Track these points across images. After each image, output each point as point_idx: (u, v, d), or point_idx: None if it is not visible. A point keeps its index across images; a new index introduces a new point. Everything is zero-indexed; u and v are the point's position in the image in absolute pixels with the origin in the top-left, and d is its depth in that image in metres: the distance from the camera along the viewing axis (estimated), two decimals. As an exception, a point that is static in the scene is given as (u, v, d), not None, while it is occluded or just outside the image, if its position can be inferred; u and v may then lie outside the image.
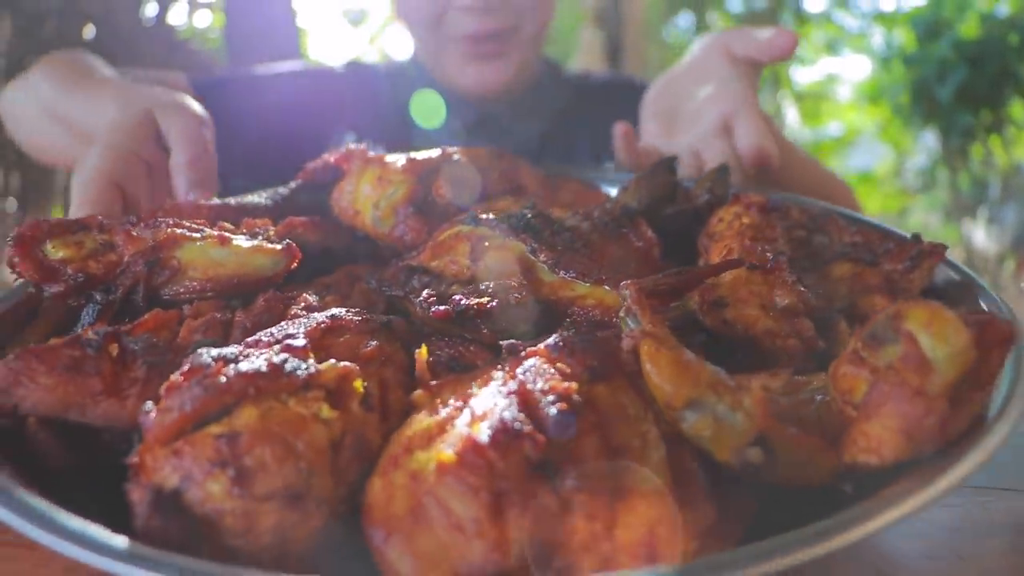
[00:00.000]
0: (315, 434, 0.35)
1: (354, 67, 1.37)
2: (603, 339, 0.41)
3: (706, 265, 0.46)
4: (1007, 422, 0.38)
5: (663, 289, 0.44)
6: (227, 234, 0.53)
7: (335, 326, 0.43)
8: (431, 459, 0.34)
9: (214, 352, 0.38)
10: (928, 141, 5.44)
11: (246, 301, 0.50)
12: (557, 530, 0.33)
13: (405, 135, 1.30)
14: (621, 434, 0.36)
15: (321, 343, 0.41)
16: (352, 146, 0.65)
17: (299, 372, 0.37)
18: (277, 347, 0.39)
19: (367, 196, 0.61)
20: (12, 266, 0.50)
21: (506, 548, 0.32)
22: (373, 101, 1.33)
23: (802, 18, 6.67)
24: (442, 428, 0.36)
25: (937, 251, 0.53)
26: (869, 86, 6.18)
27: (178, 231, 0.51)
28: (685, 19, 6.89)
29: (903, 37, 5.32)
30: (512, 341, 0.41)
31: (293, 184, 0.66)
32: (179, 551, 0.32)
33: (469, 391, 0.39)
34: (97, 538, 0.32)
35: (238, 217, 0.57)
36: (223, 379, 0.36)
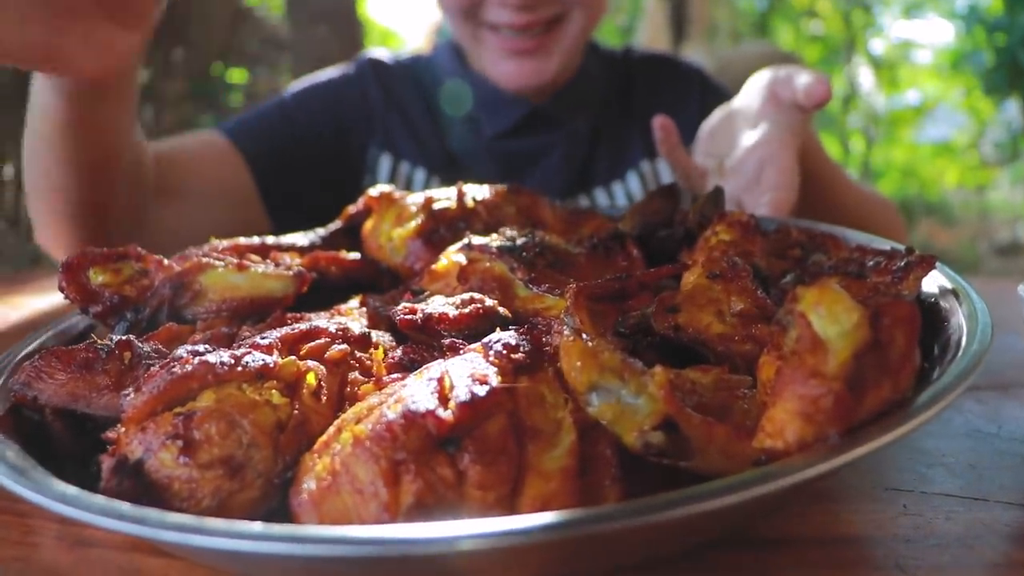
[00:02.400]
0: (261, 415, 0.41)
1: (375, 65, 1.34)
2: (535, 336, 0.45)
3: (648, 270, 0.49)
4: (928, 410, 0.37)
5: (607, 293, 0.47)
6: (247, 263, 0.59)
7: (311, 332, 0.48)
8: (351, 435, 0.38)
9: (189, 347, 0.44)
10: (1011, 111, 5.15)
11: (258, 320, 0.56)
12: (449, 498, 0.36)
13: (438, 135, 1.31)
14: (534, 419, 0.39)
15: (295, 346, 0.47)
16: (382, 188, 0.70)
17: (254, 363, 0.42)
18: (247, 344, 0.45)
19: (386, 231, 0.67)
20: (61, 289, 0.59)
21: (395, 509, 0.35)
22: (401, 102, 1.31)
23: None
24: (371, 411, 0.40)
25: (926, 262, 0.52)
26: (951, 53, 5.88)
27: (204, 259, 0.58)
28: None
29: (989, 1, 5.04)
30: (454, 339, 0.46)
31: (333, 225, 0.72)
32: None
33: (407, 382, 0.42)
34: (80, 498, 0.36)
35: (267, 253, 0.64)
36: (188, 367, 0.41)
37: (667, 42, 4.42)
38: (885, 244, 0.59)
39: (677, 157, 0.98)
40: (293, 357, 0.45)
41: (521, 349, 0.43)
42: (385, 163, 1.28)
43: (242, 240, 0.67)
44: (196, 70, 4.32)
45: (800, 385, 0.37)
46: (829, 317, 0.37)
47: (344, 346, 0.48)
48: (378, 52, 1.39)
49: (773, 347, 0.42)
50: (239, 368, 0.42)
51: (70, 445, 0.46)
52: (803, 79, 0.87)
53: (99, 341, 0.49)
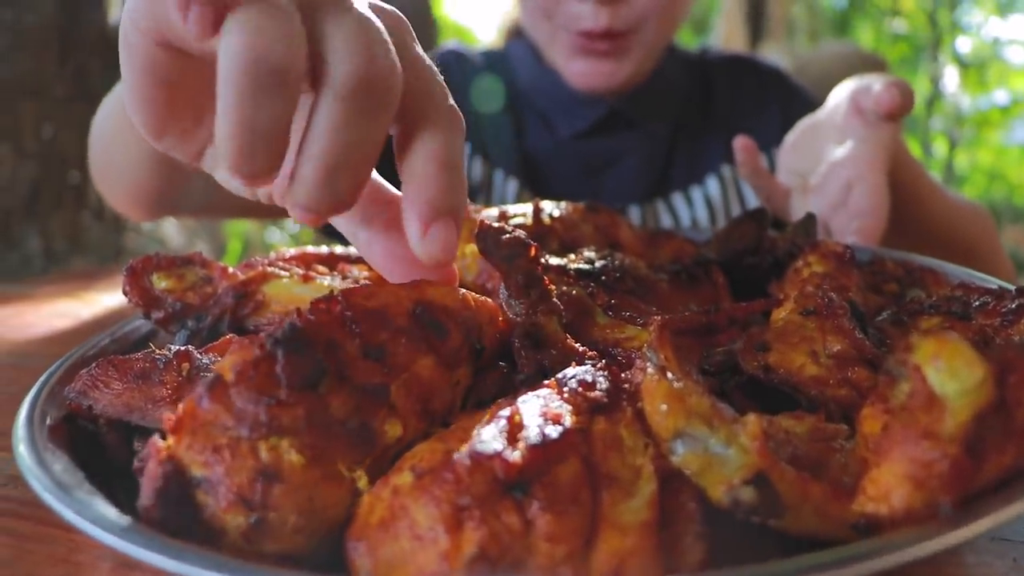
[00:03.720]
0: (338, 503, 0.37)
1: (457, 58, 1.32)
2: (614, 371, 0.42)
3: (739, 304, 0.45)
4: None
5: (693, 328, 0.44)
6: (313, 274, 0.57)
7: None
8: (411, 475, 0.35)
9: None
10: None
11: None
12: (515, 549, 0.33)
13: (515, 134, 1.29)
14: (610, 465, 0.36)
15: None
16: None
17: (364, 439, 0.37)
18: (364, 390, 0.38)
19: (459, 247, 0.64)
20: (125, 292, 0.57)
21: (457, 557, 0.33)
22: (476, 96, 1.28)
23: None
24: (434, 450, 0.37)
25: (1041, 306, 0.48)
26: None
27: (269, 268, 0.57)
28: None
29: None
30: (526, 375, 0.43)
31: None
32: (169, 533, 0.34)
33: (476, 419, 0.40)
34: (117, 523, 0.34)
35: (335, 263, 0.62)
36: (289, 420, 0.36)
37: (743, 41, 4.32)
38: (991, 282, 0.55)
39: (759, 178, 0.93)
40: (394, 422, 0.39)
41: (598, 387, 0.40)
42: (476, 164, 1.25)
43: (310, 249, 0.65)
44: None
45: (911, 446, 0.34)
46: (948, 372, 0.33)
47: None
48: (455, 45, 1.38)
49: (878, 398, 0.38)
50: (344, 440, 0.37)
51: (124, 459, 0.45)
52: (876, 87, 0.82)
53: (157, 351, 0.48)
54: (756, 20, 4.53)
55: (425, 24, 3.64)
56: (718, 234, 0.59)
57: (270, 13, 0.35)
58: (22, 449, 0.41)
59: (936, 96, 7.29)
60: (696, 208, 1.26)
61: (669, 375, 0.38)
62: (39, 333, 0.92)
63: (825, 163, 0.85)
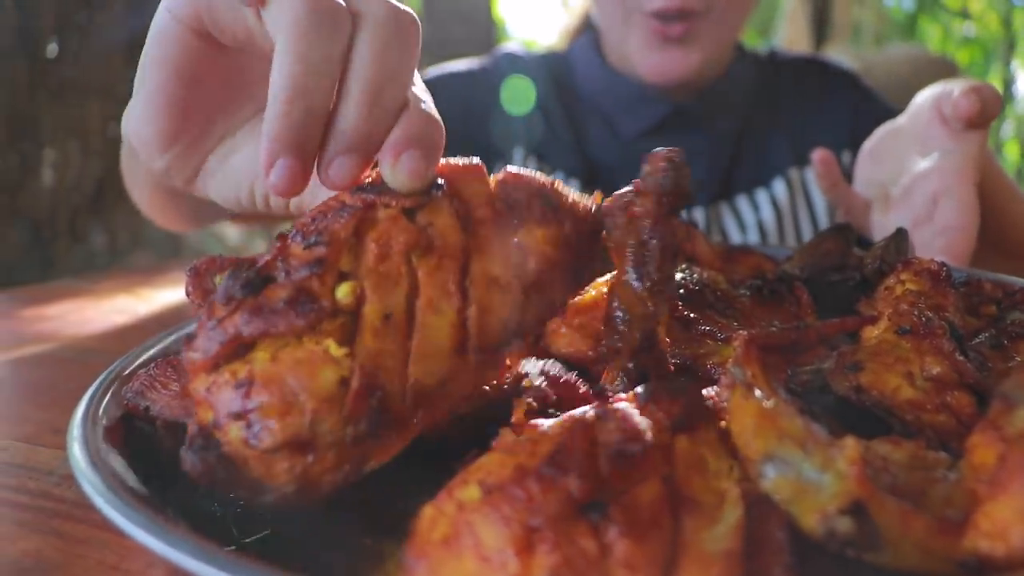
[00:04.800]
0: (322, 378, 0.36)
1: (512, 60, 1.30)
2: (695, 388, 0.39)
3: (830, 321, 0.42)
4: None
5: (781, 344, 0.41)
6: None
7: (367, 217, 0.39)
8: (478, 490, 0.33)
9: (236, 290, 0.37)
10: None
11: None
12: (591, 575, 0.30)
13: (576, 136, 1.26)
14: (693, 488, 0.34)
15: (358, 237, 0.38)
16: None
17: (310, 311, 0.36)
18: (305, 268, 0.37)
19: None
20: (188, 293, 0.57)
21: None
22: (537, 101, 1.26)
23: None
24: (503, 464, 0.35)
25: None
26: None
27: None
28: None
29: None
30: (603, 386, 0.41)
31: None
32: (214, 485, 0.36)
33: (548, 431, 0.37)
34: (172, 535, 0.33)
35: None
36: (239, 323, 0.36)
37: (808, 44, 4.23)
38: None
39: (839, 192, 0.89)
40: (345, 285, 0.38)
41: (680, 402, 0.37)
42: (530, 167, 1.24)
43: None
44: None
45: (1034, 479, 0.31)
46: (1078, 398, 0.30)
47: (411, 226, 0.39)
48: (513, 47, 1.36)
49: (991, 425, 0.35)
50: (296, 320, 0.36)
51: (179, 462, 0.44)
52: (956, 92, 0.78)
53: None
54: (820, 23, 4.43)
55: (487, 25, 3.64)
56: (801, 250, 0.55)
57: None
58: (76, 449, 0.40)
59: (1008, 100, 7.06)
60: (762, 211, 1.22)
61: (758, 393, 0.36)
62: (99, 329, 0.92)
63: (908, 175, 0.80)
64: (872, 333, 0.45)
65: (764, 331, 0.40)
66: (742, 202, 1.24)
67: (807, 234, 1.23)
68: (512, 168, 0.44)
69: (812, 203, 1.23)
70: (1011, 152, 7.40)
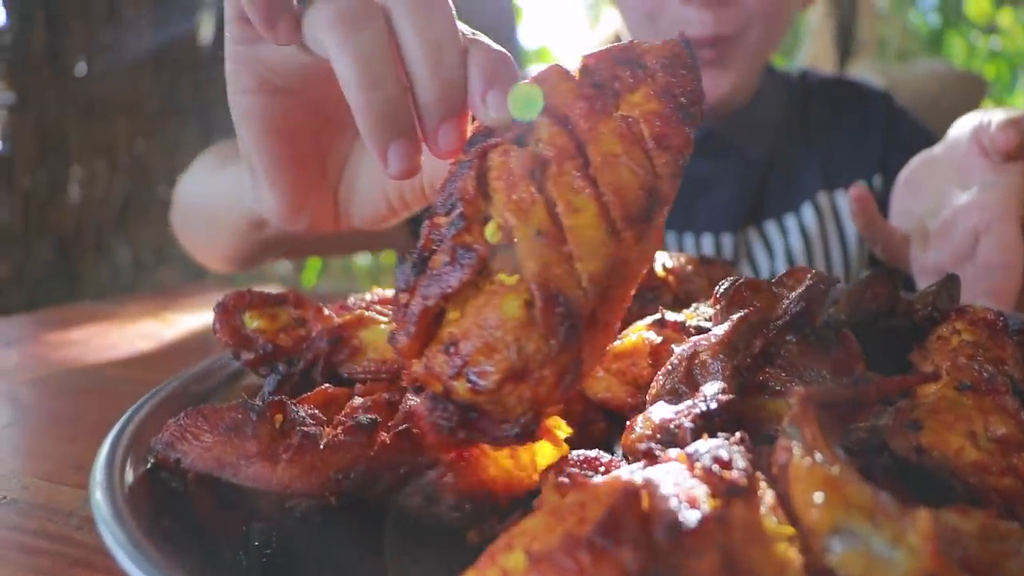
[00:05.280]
0: (508, 309, 0.37)
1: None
2: (757, 454, 0.37)
3: (892, 378, 0.40)
4: None
5: (838, 401, 0.39)
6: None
7: (482, 164, 0.41)
8: (524, 557, 0.32)
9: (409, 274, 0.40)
10: None
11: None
12: None
13: None
14: (752, 559, 0.32)
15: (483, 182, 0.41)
16: None
17: (470, 259, 0.38)
18: (451, 229, 0.40)
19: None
20: (215, 331, 0.55)
21: None
22: None
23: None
24: (550, 529, 0.33)
25: None
26: None
27: (366, 313, 0.54)
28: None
29: None
30: (650, 444, 0.39)
31: None
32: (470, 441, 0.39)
33: (596, 493, 0.35)
34: None
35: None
36: (421, 298, 0.39)
37: (833, 60, 4.19)
38: None
39: (876, 229, 0.86)
40: (493, 219, 0.40)
41: (735, 465, 0.35)
42: None
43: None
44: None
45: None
46: None
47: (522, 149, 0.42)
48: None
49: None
50: (465, 275, 0.38)
51: (208, 514, 0.42)
52: (993, 125, 0.75)
53: (250, 400, 0.45)
54: (845, 39, 4.39)
55: (512, 47, 3.64)
56: (848, 294, 0.53)
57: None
58: (99, 496, 0.39)
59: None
60: (790, 237, 1.20)
61: (819, 457, 0.34)
62: (122, 355, 0.92)
63: (948, 208, 0.77)
64: (930, 388, 0.43)
65: (821, 388, 0.38)
66: (771, 228, 1.21)
67: (837, 262, 1.20)
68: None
69: (843, 230, 1.20)
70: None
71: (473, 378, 0.37)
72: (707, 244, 1.19)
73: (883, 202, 1.09)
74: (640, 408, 0.48)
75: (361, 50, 0.43)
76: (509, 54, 0.45)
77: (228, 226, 0.79)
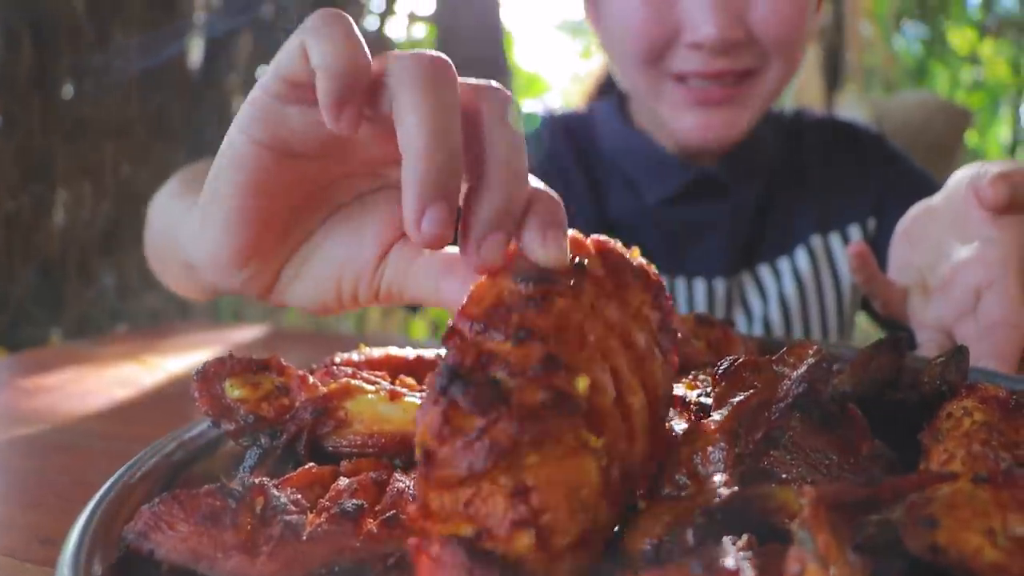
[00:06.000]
0: (590, 472, 0.35)
1: (529, 121, 1.28)
2: (763, 558, 0.35)
3: (912, 475, 0.38)
4: None
5: (852, 501, 0.37)
6: (402, 389, 0.52)
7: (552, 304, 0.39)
8: None
9: (488, 393, 0.35)
10: None
11: (409, 460, 0.48)
12: None
13: (596, 200, 1.23)
14: None
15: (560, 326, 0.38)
16: None
17: (571, 409, 0.36)
18: (539, 367, 0.36)
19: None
20: (194, 399, 0.53)
21: None
22: (556, 163, 1.22)
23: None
24: None
25: None
26: None
27: (353, 382, 0.52)
28: (915, 29, 6.29)
29: None
30: (649, 546, 0.37)
31: None
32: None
33: None
34: None
35: (426, 372, 0.57)
36: (513, 431, 0.34)
37: (820, 89, 4.23)
38: None
39: (875, 285, 0.85)
40: (584, 376, 0.38)
41: (743, 573, 0.34)
42: None
43: (394, 351, 0.60)
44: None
45: None
46: None
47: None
48: (532, 108, 1.33)
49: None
50: (558, 418, 0.36)
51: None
52: (986, 177, 0.73)
53: (228, 484, 0.43)
54: (833, 69, 4.42)
55: (501, 72, 3.65)
56: (853, 365, 0.51)
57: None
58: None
59: (1017, 144, 7.03)
60: (783, 281, 1.19)
61: (833, 572, 0.32)
62: (99, 404, 0.89)
63: (948, 262, 0.76)
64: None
65: (833, 487, 0.36)
66: (764, 272, 1.20)
67: (831, 305, 1.19)
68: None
69: (838, 273, 1.19)
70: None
71: (545, 533, 0.34)
72: (699, 289, 1.17)
73: (876, 246, 1.08)
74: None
75: (442, 101, 0.42)
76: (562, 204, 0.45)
77: (182, 270, 0.77)
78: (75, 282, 2.77)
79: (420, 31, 4.72)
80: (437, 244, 0.42)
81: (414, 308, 1.27)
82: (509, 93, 0.47)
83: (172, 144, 3.17)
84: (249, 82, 3.47)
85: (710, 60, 1.00)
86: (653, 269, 0.47)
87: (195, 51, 3.29)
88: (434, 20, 3.82)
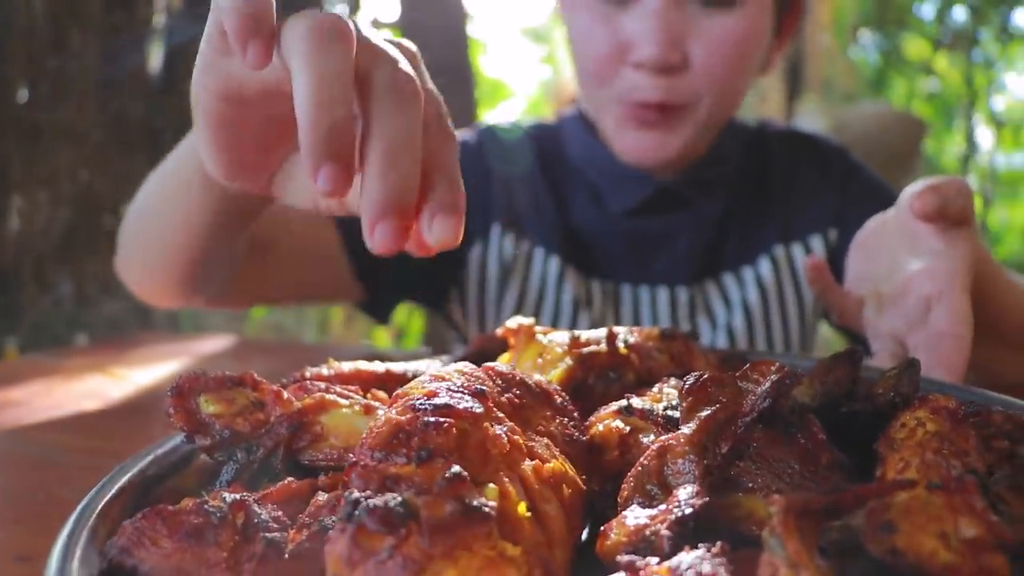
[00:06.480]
0: None
1: (490, 133, 1.30)
2: (737, 561, 0.37)
3: (872, 484, 0.40)
4: None
5: (818, 508, 0.39)
6: (375, 404, 0.53)
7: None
8: None
9: (394, 511, 0.35)
10: None
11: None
12: None
13: (561, 210, 1.25)
14: None
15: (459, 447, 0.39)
16: (521, 320, 0.64)
17: (483, 517, 0.36)
18: (444, 482, 0.37)
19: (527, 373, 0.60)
20: (168, 415, 0.53)
21: None
22: (522, 174, 1.25)
23: (1008, 34, 6.09)
24: None
25: None
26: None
27: (327, 396, 0.52)
28: (873, 40, 6.44)
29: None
30: (631, 557, 0.38)
31: (460, 353, 0.66)
32: None
33: None
34: None
35: (396, 386, 0.58)
36: (426, 546, 0.34)
37: (781, 100, 4.31)
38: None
39: (831, 297, 0.88)
40: (492, 485, 0.39)
41: (721, 577, 0.35)
42: (506, 243, 1.22)
43: (363, 365, 0.61)
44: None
45: None
46: None
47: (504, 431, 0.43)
48: (496, 120, 1.36)
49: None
50: (471, 529, 0.35)
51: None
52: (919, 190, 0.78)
53: (210, 502, 0.43)
54: (794, 79, 4.51)
55: (466, 79, 3.66)
56: (811, 376, 0.53)
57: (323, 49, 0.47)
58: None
59: (970, 154, 7.24)
60: (747, 289, 1.21)
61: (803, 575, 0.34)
62: (67, 419, 0.88)
63: (901, 274, 0.79)
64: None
65: (800, 496, 0.38)
66: (728, 280, 1.23)
67: (793, 314, 1.22)
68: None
69: (799, 282, 1.22)
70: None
71: None
72: (663, 297, 1.20)
73: (837, 256, 1.11)
74: (608, 497, 0.48)
75: (324, 67, 0.46)
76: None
77: (179, 205, 0.83)
78: (31, 290, 2.72)
79: (386, 36, 4.67)
80: (334, 196, 0.46)
81: (378, 317, 1.28)
82: (413, 53, 0.55)
83: (131, 150, 3.12)
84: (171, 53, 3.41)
85: (651, 84, 1.06)
86: (555, 386, 0.51)
87: (155, 56, 3.24)
88: (399, 25, 3.82)
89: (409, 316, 4.42)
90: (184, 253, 0.89)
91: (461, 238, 0.49)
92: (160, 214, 0.90)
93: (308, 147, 0.45)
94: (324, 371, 0.61)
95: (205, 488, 0.53)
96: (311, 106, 0.45)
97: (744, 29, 1.08)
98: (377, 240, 0.46)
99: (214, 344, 1.29)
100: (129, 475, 0.51)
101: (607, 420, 0.50)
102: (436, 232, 0.48)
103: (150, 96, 3.14)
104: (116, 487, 0.50)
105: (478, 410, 0.42)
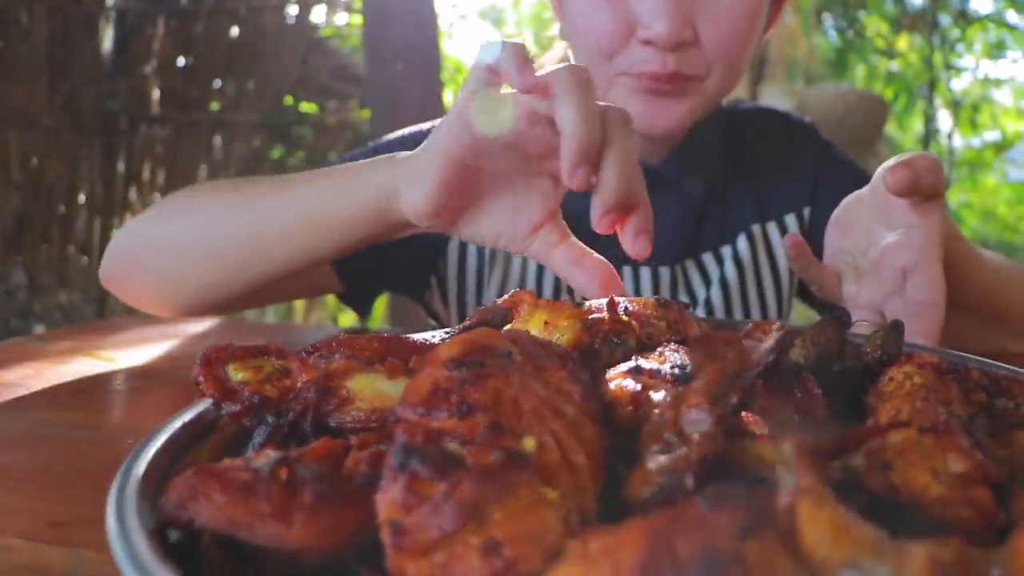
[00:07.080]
0: (554, 522, 0.37)
1: None
2: (757, 494, 0.40)
3: (871, 425, 0.45)
4: None
5: (825, 448, 0.43)
6: (397, 366, 0.55)
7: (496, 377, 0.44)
8: None
9: (447, 458, 0.38)
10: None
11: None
12: None
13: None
14: None
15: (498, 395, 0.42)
16: (521, 291, 0.67)
17: (524, 464, 0.39)
18: (486, 432, 0.40)
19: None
20: (197, 383, 0.55)
21: None
22: None
23: (966, 18, 6.21)
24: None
25: None
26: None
27: (351, 361, 0.55)
28: (834, 22, 6.53)
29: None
30: (651, 492, 0.42)
31: (465, 324, 0.68)
32: None
33: (619, 546, 0.36)
34: None
35: (408, 354, 0.61)
36: (474, 491, 0.37)
37: (745, 82, 4.38)
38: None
39: (812, 272, 0.93)
40: (531, 438, 0.42)
41: (743, 508, 0.39)
42: None
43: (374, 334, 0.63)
44: (268, 101, 4.33)
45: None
46: None
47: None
48: None
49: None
50: (514, 476, 0.38)
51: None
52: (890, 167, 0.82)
53: (255, 460, 0.46)
54: (758, 61, 4.57)
55: (430, 61, 3.66)
56: (802, 339, 0.58)
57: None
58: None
59: (930, 136, 7.41)
60: (725, 267, 1.26)
61: (826, 502, 0.38)
62: (66, 398, 0.89)
63: (876, 248, 0.84)
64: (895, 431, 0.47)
65: (810, 437, 0.42)
66: (708, 260, 1.27)
67: (769, 288, 1.26)
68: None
69: (775, 257, 1.26)
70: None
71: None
72: (645, 276, 1.23)
73: (811, 232, 1.15)
74: (619, 452, 0.51)
75: (585, 104, 0.67)
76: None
77: (282, 241, 0.88)
78: (-19, 280, 2.67)
79: (343, 19, 4.59)
80: (581, 188, 0.69)
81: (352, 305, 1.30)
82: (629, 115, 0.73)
83: (83, 135, 3.05)
84: (165, 70, 3.33)
85: (660, 59, 1.06)
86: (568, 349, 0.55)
87: (107, 39, 3.16)
88: (363, 7, 3.79)
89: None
90: (244, 284, 0.92)
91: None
92: (234, 247, 0.91)
93: (573, 156, 0.66)
94: (338, 335, 0.63)
95: (229, 454, 0.55)
96: (577, 129, 0.66)
97: (750, 4, 1.10)
98: (604, 226, 0.72)
99: (197, 327, 1.30)
100: (166, 437, 0.53)
101: (618, 380, 0.53)
102: (637, 246, 0.74)
103: (103, 79, 3.07)
104: (154, 448, 0.52)
105: (509, 368, 0.45)
